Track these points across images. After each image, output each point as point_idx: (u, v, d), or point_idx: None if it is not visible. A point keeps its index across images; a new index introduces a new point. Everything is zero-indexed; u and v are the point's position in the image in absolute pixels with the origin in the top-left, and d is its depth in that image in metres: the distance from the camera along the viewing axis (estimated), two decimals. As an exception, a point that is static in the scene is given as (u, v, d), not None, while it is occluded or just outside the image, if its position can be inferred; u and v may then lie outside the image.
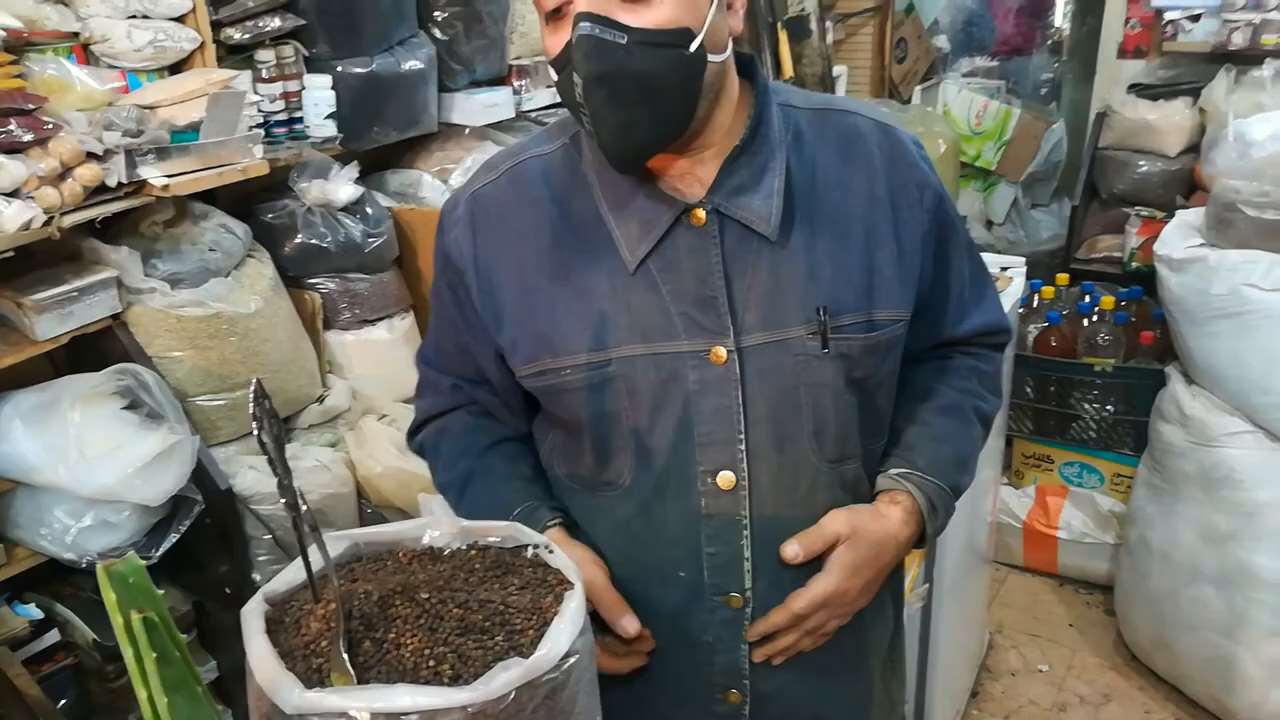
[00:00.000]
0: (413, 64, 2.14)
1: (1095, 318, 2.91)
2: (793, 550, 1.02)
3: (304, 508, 0.84)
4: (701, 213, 0.99)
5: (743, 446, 1.01)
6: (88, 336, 1.70)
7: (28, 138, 1.54)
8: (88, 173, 1.60)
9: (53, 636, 1.70)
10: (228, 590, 1.77)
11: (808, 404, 1.02)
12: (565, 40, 0.91)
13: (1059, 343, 2.95)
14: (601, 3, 0.89)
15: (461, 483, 1.14)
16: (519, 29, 2.39)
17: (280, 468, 0.82)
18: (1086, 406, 2.94)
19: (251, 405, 0.79)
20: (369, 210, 2.09)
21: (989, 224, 4.18)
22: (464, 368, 1.14)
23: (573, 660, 0.81)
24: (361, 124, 2.10)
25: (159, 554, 1.68)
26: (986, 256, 2.08)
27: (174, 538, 1.69)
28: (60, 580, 1.75)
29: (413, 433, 1.24)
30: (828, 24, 3.17)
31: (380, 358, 2.07)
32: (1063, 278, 3.09)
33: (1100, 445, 2.97)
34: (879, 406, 1.10)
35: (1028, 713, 2.59)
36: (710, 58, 0.94)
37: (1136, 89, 3.20)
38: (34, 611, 1.68)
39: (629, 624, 1.02)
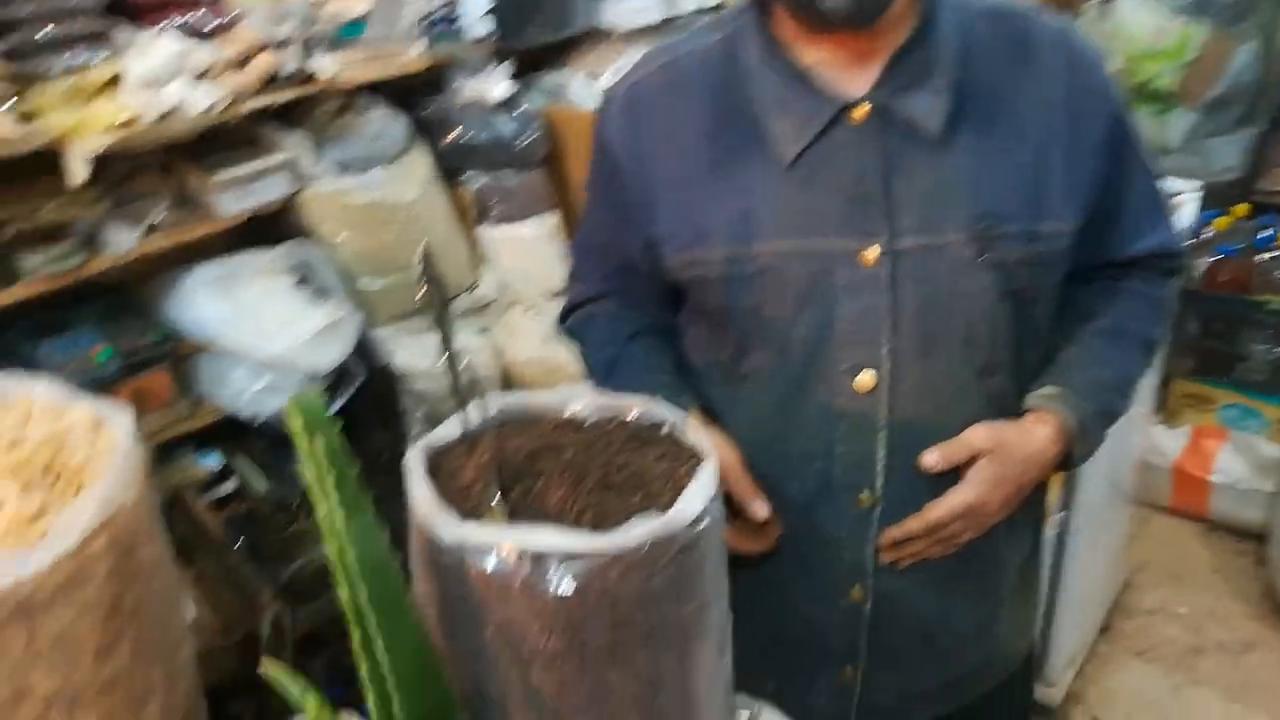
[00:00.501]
0: (568, -37, 2.15)
1: (1273, 252, 2.71)
2: (932, 459, 1.01)
3: (463, 364, 0.90)
4: (862, 110, 0.98)
5: (886, 350, 1.01)
6: (263, 216, 1.82)
7: (213, 25, 1.65)
8: (266, 61, 1.71)
9: (229, 486, 1.88)
10: (383, 458, 1.90)
11: (960, 313, 1.01)
12: None
13: (1231, 277, 2.77)
14: None
15: (607, 368, 1.18)
16: (676, -72, 2.36)
17: (443, 329, 0.88)
18: (1256, 346, 2.78)
19: (420, 266, 0.85)
20: (520, 109, 2.14)
21: (1163, 151, 3.91)
22: (614, 258, 1.17)
23: (704, 524, 0.85)
24: (516, 22, 2.14)
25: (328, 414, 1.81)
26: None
27: (337, 406, 1.83)
28: (238, 436, 1.91)
29: (563, 316, 1.28)
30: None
31: (527, 253, 2.14)
32: (1241, 208, 2.89)
33: (1267, 389, 2.80)
34: (1036, 321, 1.06)
35: (1161, 652, 2.52)
36: None
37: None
38: (214, 460, 1.86)
39: (759, 508, 1.04)
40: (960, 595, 1.13)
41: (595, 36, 2.34)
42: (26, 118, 1.48)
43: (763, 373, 1.07)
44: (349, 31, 1.79)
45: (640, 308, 1.19)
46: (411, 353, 1.90)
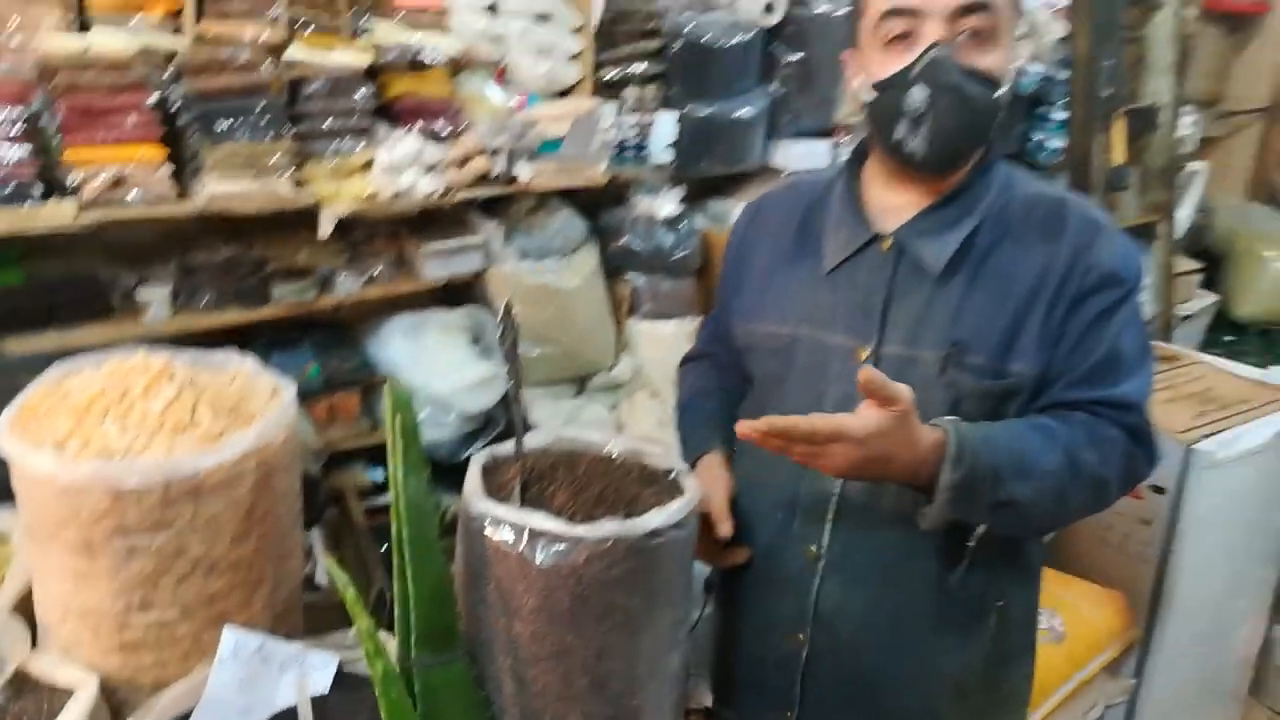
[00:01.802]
0: (746, 111, 2.53)
1: None
2: (865, 376, 1.02)
3: (521, 394, 1.23)
4: (887, 242, 1.21)
5: None
6: (458, 283, 2.27)
7: (448, 132, 2.14)
8: (480, 163, 2.17)
9: (386, 498, 2.29)
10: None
11: (917, 415, 1.09)
12: (904, 63, 1.12)
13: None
14: (949, 37, 1.11)
15: (683, 408, 1.49)
16: (850, 91, 2.69)
17: (511, 366, 1.21)
18: None
19: (500, 315, 1.20)
20: (684, 226, 2.51)
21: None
22: (720, 327, 1.45)
23: (660, 540, 1.13)
24: (695, 155, 2.52)
25: (466, 455, 2.20)
26: None
27: (480, 445, 2.21)
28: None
29: (682, 363, 1.58)
30: (1192, 118, 3.08)
31: (665, 347, 2.47)
32: None
33: None
34: None
35: None
36: (1001, 106, 1.15)
37: None
38: (379, 474, 2.28)
39: (723, 528, 1.26)
40: (894, 661, 1.25)
41: (764, 174, 2.68)
42: (299, 184, 2.00)
43: None
44: (548, 147, 2.23)
45: (725, 370, 1.46)
46: (548, 411, 2.26)
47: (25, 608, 1.20)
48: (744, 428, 1.06)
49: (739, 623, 1.36)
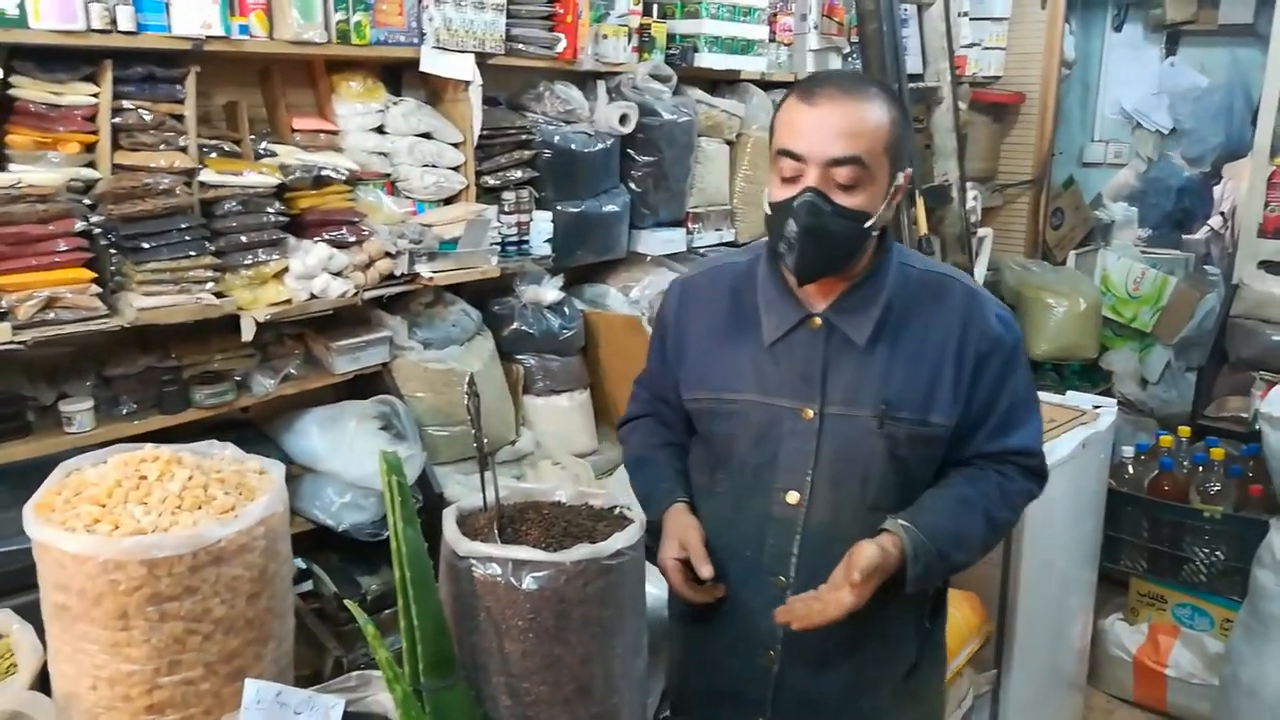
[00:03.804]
0: (611, 208, 2.86)
1: (1206, 467, 3.13)
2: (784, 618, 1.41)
3: (486, 450, 1.45)
4: (818, 320, 1.45)
5: (809, 478, 1.45)
6: (365, 375, 2.44)
7: (352, 239, 2.34)
8: (384, 265, 2.38)
9: (305, 585, 2.39)
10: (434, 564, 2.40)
11: (861, 462, 1.44)
12: (790, 195, 1.35)
13: (1171, 487, 3.17)
14: (824, 185, 1.34)
15: (635, 464, 1.68)
16: (697, 186, 3.09)
17: (476, 426, 1.43)
18: (1198, 550, 3.12)
19: (466, 388, 1.42)
20: (567, 310, 2.78)
21: (1144, 383, 4.38)
22: (656, 391, 1.67)
23: (622, 560, 1.36)
24: (570, 248, 2.81)
25: (387, 535, 2.34)
26: (1070, 399, 2.49)
27: (399, 525, 2.36)
28: (319, 547, 2.44)
29: (620, 424, 1.77)
30: (974, 192, 3.66)
31: (560, 420, 2.71)
32: (1185, 430, 3.32)
33: (1210, 589, 3.12)
34: (915, 478, 1.47)
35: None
36: (872, 232, 1.40)
37: (1266, 265, 3.45)
38: (299, 563, 2.38)
39: (705, 570, 1.47)
40: (847, 675, 1.51)
41: (630, 259, 3.01)
42: (219, 294, 2.14)
43: (724, 484, 1.53)
44: (446, 246, 2.47)
45: (669, 427, 1.67)
46: (459, 488, 2.44)
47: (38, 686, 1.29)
48: (782, 617, 1.41)
49: (712, 641, 1.57)
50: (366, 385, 2.48)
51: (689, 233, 3.07)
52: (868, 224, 1.37)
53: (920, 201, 3.17)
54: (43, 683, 1.31)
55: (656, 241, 2.99)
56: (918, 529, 1.41)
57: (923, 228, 3.10)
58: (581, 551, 1.33)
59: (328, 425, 2.36)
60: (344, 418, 2.37)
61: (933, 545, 1.40)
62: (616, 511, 1.53)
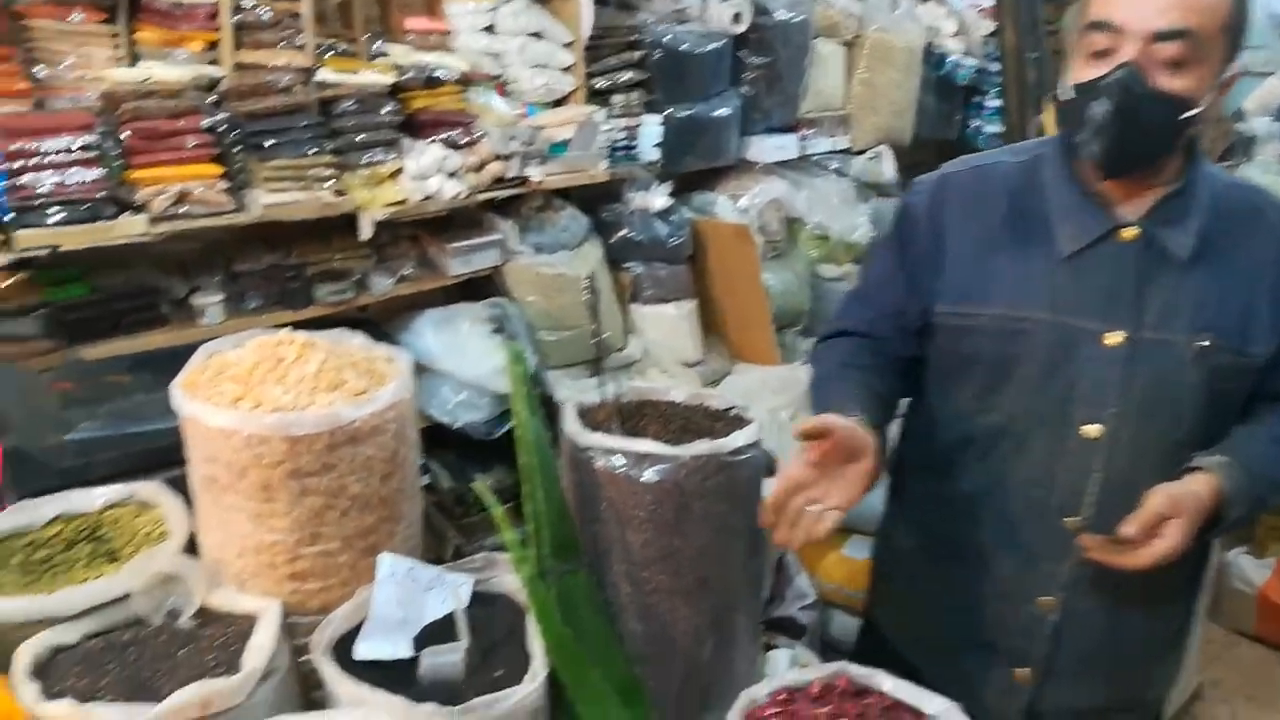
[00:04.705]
0: (723, 111, 2.79)
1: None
2: (1129, 530, 1.17)
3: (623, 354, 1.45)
4: (1132, 232, 1.25)
5: (1112, 411, 1.26)
6: (477, 278, 2.47)
7: (464, 140, 2.34)
8: (496, 167, 2.38)
9: (424, 480, 2.47)
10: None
11: (1173, 394, 1.25)
12: (1101, 74, 1.17)
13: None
14: (1144, 62, 1.15)
15: (820, 381, 1.43)
16: (811, 89, 2.98)
17: (596, 320, 1.43)
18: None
19: (586, 284, 1.42)
20: (674, 217, 2.75)
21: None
22: (881, 304, 1.44)
23: (740, 457, 1.36)
24: (678, 153, 2.77)
25: (500, 433, 2.40)
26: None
27: (511, 424, 2.40)
28: (436, 445, 2.51)
29: (817, 343, 1.53)
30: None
31: (667, 328, 2.71)
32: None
33: (1347, 522, 2.97)
34: (1226, 412, 1.29)
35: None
36: (1193, 125, 1.19)
37: None
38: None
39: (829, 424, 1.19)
40: (1134, 626, 1.35)
41: (740, 167, 2.95)
42: (338, 193, 2.18)
43: (1001, 408, 1.33)
44: (555, 150, 2.45)
45: (882, 349, 1.43)
46: (570, 392, 2.47)
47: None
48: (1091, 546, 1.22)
49: (972, 583, 1.40)
50: (478, 288, 2.51)
51: (801, 139, 2.98)
52: (1190, 114, 1.17)
53: (1051, 109, 3.00)
54: (190, 551, 1.38)
55: (767, 148, 2.92)
56: (1239, 469, 1.23)
57: (1050, 134, 2.95)
58: (701, 446, 1.33)
59: (442, 326, 2.40)
60: (458, 319, 2.41)
61: (1252, 488, 1.24)
62: (733, 412, 1.52)
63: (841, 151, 3.13)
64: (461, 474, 2.55)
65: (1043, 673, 1.36)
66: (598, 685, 1.30)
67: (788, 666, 1.62)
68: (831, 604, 2.45)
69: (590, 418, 1.47)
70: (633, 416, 1.47)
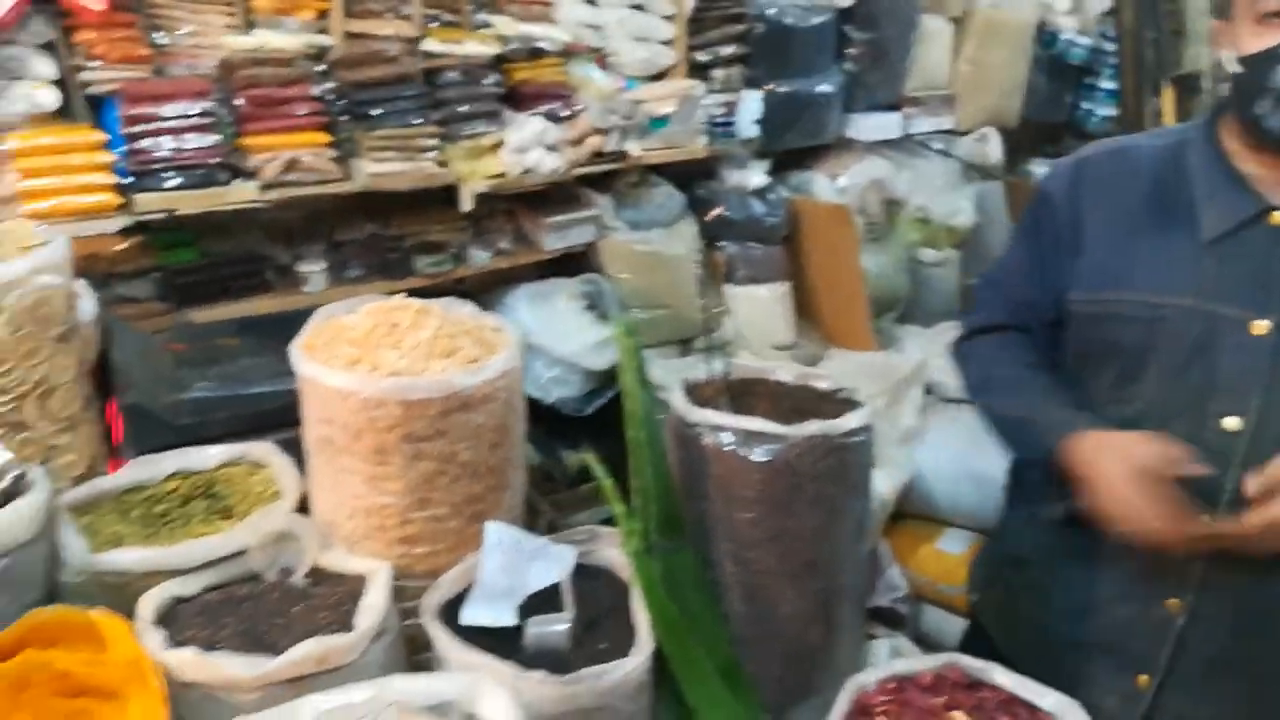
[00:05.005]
0: (825, 88, 2.72)
1: None
2: (1249, 488, 1.12)
3: (717, 335, 1.43)
4: None
5: (1256, 402, 1.19)
6: (571, 254, 2.47)
7: (565, 113, 2.33)
8: (595, 141, 2.36)
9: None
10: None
11: None
12: (1276, 40, 1.11)
13: None
14: None
15: (1005, 382, 1.37)
16: (916, 67, 2.90)
17: (708, 299, 1.41)
18: None
19: (698, 256, 1.39)
20: (771, 197, 2.70)
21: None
22: (1020, 291, 1.38)
23: (853, 439, 1.32)
24: (778, 130, 2.71)
25: (590, 410, 2.39)
26: None
27: (601, 401, 2.40)
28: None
29: (966, 335, 1.47)
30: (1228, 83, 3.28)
31: (760, 310, 2.66)
32: None
33: None
34: None
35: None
36: None
37: None
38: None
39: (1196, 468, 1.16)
40: (1266, 636, 1.25)
41: (840, 145, 2.88)
42: (440, 164, 2.19)
43: (1138, 398, 1.26)
44: (655, 125, 2.43)
45: (1035, 342, 1.38)
46: (661, 371, 2.45)
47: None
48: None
49: (1093, 583, 1.34)
50: (571, 264, 2.50)
51: (905, 118, 2.90)
52: None
53: (1169, 91, 2.86)
54: (300, 512, 1.40)
55: (869, 126, 2.84)
56: None
57: (1169, 120, 2.81)
58: (814, 427, 1.30)
59: (537, 301, 2.40)
60: (552, 294, 2.41)
61: None
62: (842, 394, 1.49)
63: (945, 132, 3.04)
64: (549, 450, 2.56)
65: (1164, 679, 1.29)
66: (702, 663, 1.28)
67: (889, 657, 1.59)
68: (923, 598, 2.40)
69: (697, 394, 1.45)
70: (741, 394, 1.44)
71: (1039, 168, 3.54)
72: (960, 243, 3.11)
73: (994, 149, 3.21)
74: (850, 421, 1.32)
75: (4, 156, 1.85)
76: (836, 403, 1.45)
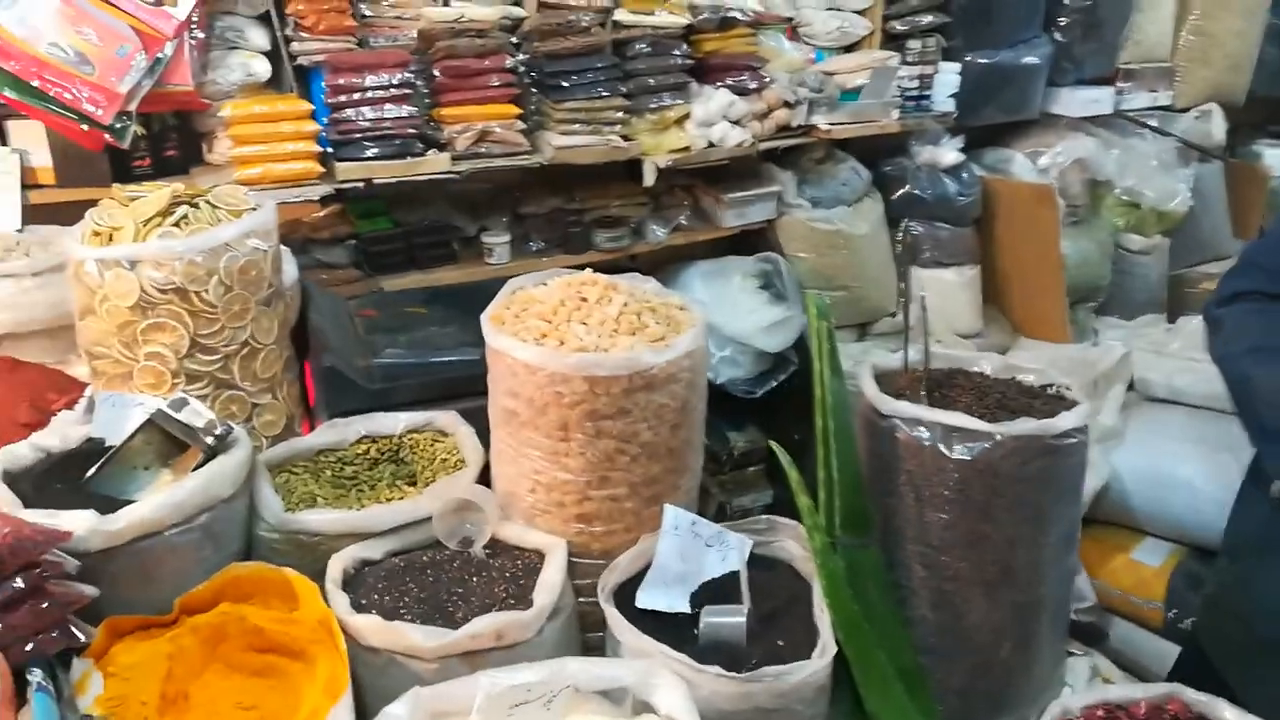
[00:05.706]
0: (1030, 59, 2.53)
1: None
2: None
3: (922, 312, 1.34)
4: None
5: None
6: (749, 231, 2.40)
7: (752, 86, 2.26)
8: (782, 115, 2.28)
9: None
10: (795, 436, 2.37)
11: None
12: None
13: None
14: None
15: (1254, 352, 1.28)
16: (1134, 37, 2.65)
17: (909, 286, 1.33)
18: None
19: (902, 233, 1.31)
20: (965, 175, 2.54)
21: None
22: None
23: (1067, 442, 1.21)
24: (975, 104, 2.55)
25: (762, 393, 2.33)
26: None
27: (773, 384, 2.33)
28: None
29: (1215, 303, 1.38)
30: None
31: (945, 293, 2.51)
32: None
33: None
34: None
35: None
36: None
37: None
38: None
39: None
40: None
41: (1043, 122, 2.68)
42: (625, 138, 2.17)
43: None
44: (846, 97, 2.32)
45: None
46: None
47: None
48: None
49: None
50: (751, 241, 2.44)
51: (1117, 93, 2.66)
52: None
53: None
54: (481, 482, 1.42)
55: (1077, 101, 2.63)
56: None
57: None
58: (1025, 426, 1.20)
59: (711, 279, 2.35)
60: (727, 272, 2.36)
61: None
62: (1054, 390, 1.37)
63: (1162, 108, 2.78)
64: (715, 432, 2.51)
65: None
66: (883, 668, 1.21)
67: (1088, 676, 1.47)
68: (1112, 610, 2.23)
69: (890, 383, 1.37)
70: (940, 386, 1.35)
71: (1268, 149, 3.21)
72: (1171, 229, 2.85)
73: (1217, 127, 2.92)
74: (1066, 421, 1.22)
75: (220, 124, 1.96)
76: (1047, 399, 1.34)
